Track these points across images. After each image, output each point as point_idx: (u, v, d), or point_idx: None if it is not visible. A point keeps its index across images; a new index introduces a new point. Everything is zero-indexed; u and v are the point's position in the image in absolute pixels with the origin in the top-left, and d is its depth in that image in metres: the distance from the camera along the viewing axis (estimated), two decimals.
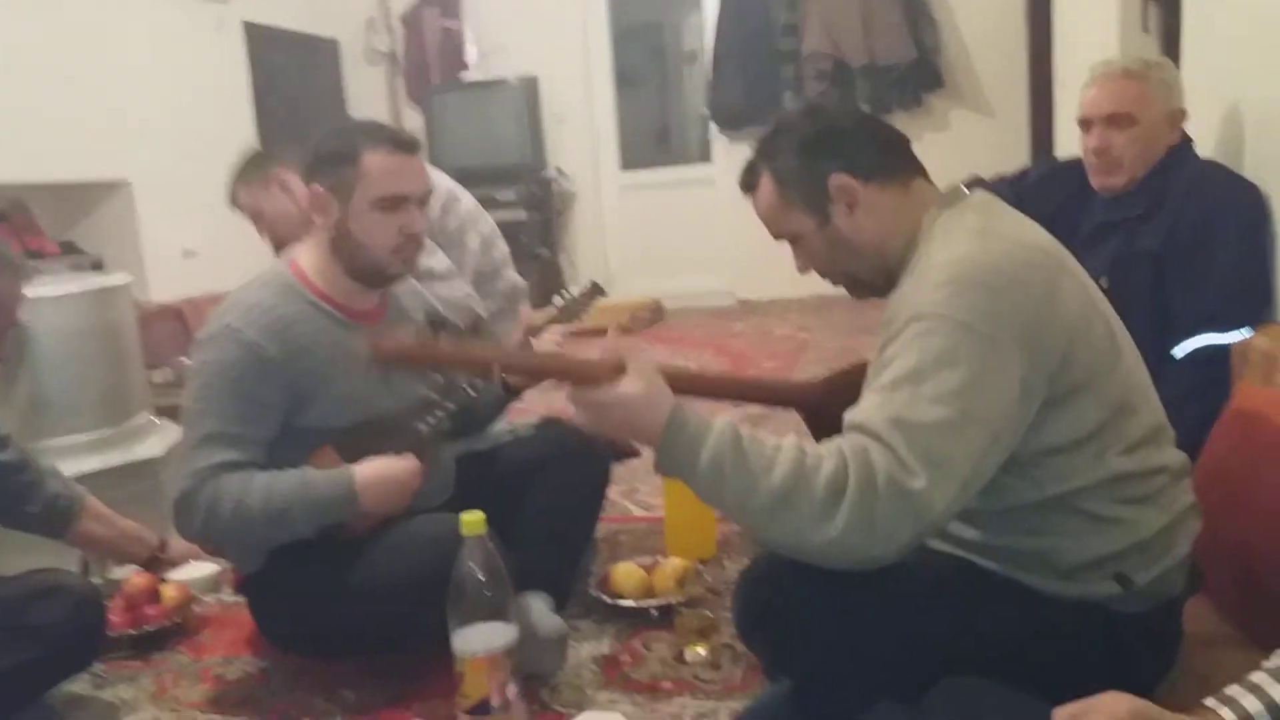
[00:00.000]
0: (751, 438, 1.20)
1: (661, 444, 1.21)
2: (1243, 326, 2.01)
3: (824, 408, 1.62)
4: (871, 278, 1.45)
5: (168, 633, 2.13)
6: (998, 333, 1.20)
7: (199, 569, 2.36)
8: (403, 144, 1.86)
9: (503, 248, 2.64)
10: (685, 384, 1.26)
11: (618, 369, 1.23)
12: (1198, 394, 1.87)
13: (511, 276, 2.66)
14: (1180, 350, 2.04)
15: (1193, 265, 2.08)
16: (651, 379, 1.23)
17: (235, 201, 2.46)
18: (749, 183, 1.48)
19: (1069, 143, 4.18)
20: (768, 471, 1.16)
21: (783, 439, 1.21)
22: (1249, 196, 2.10)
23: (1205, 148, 2.28)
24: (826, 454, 1.18)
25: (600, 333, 5.21)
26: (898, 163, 1.43)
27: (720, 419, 1.21)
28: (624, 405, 1.22)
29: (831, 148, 1.41)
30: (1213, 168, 2.20)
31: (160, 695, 1.92)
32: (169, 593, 2.19)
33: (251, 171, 2.45)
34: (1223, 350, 2.01)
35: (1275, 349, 1.81)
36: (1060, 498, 1.29)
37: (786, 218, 1.44)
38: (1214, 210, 2.08)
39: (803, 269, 1.50)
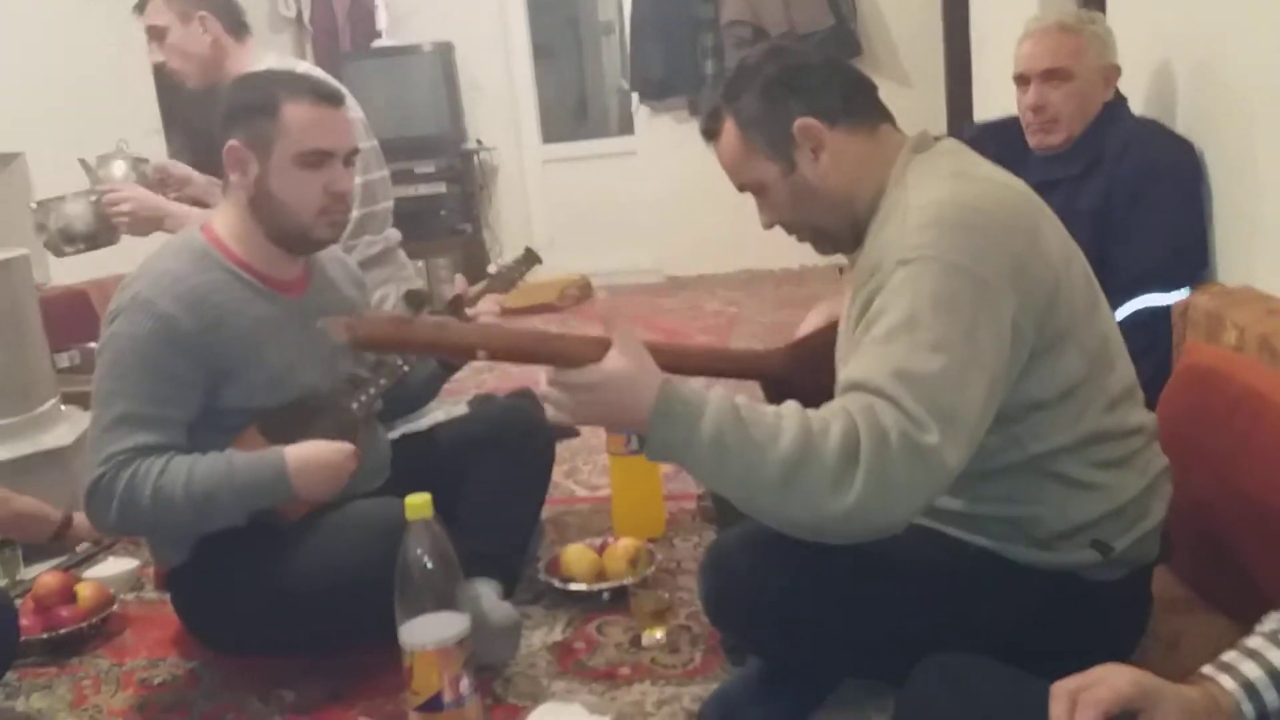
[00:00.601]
0: (750, 405, 1.13)
1: (653, 424, 1.11)
2: (1182, 286, 2.03)
3: (786, 377, 1.56)
4: (838, 229, 1.39)
5: (85, 635, 2.00)
6: (987, 272, 1.16)
7: (117, 565, 2.23)
8: (325, 95, 1.75)
9: (388, 202, 2.61)
10: (660, 359, 1.18)
11: (603, 345, 1.14)
12: (1140, 355, 1.86)
13: (391, 230, 2.63)
14: (1121, 312, 2.04)
15: (1131, 225, 2.10)
16: (638, 354, 1.14)
17: (143, 9, 2.46)
18: (711, 129, 1.41)
19: (987, 108, 4.23)
20: (774, 440, 1.08)
21: (781, 406, 1.14)
22: (1183, 155, 2.12)
23: (1136, 105, 2.30)
24: (832, 416, 1.11)
25: (534, 310, 5.11)
26: (865, 107, 1.38)
27: (714, 390, 1.14)
28: (611, 385, 1.12)
29: (796, 89, 1.35)
30: (1147, 125, 2.22)
31: (79, 704, 1.79)
32: (85, 592, 2.05)
33: None
34: (1162, 310, 2.03)
35: (1218, 307, 1.83)
36: (1041, 459, 1.27)
37: (750, 165, 1.38)
38: (1150, 168, 2.10)
39: (767, 223, 1.43)
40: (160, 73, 4.67)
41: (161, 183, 2.57)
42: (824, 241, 1.42)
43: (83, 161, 2.51)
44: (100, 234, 2.43)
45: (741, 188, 1.42)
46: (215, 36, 2.43)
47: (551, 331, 1.20)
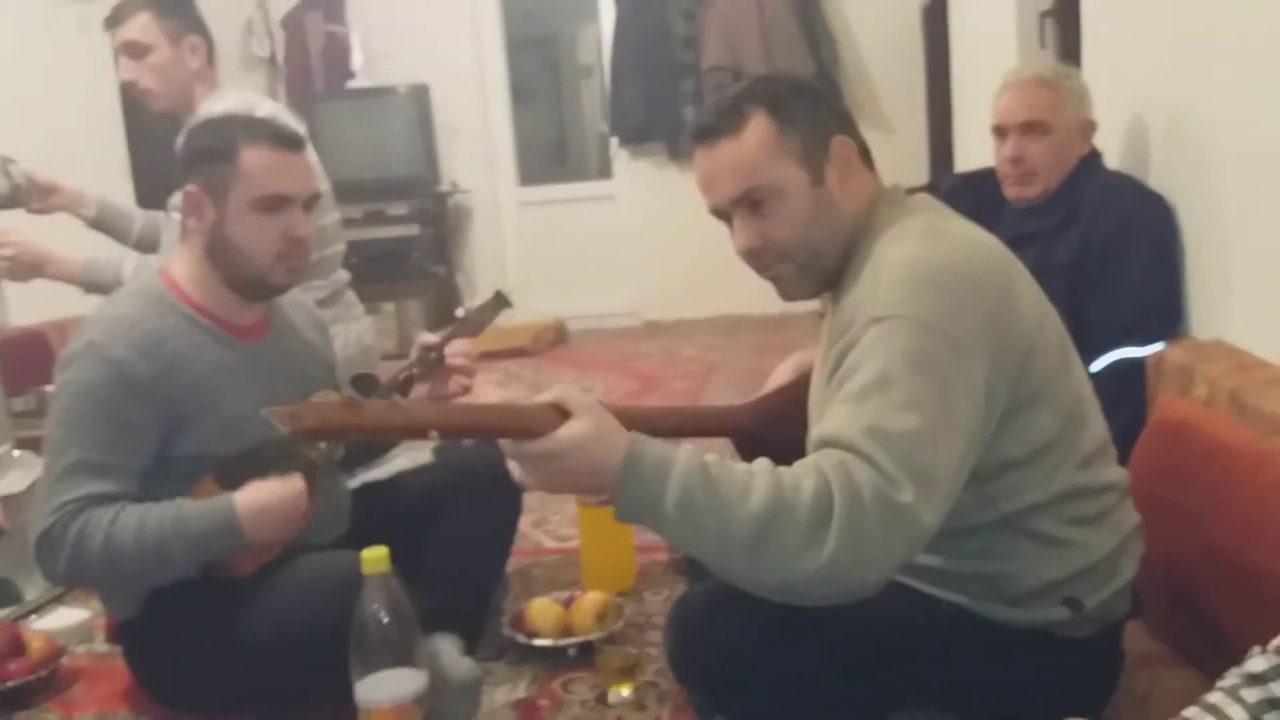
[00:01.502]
0: (719, 463, 1.10)
1: (620, 485, 1.08)
2: (1157, 341, 2.03)
3: (755, 433, 1.54)
4: (831, 260, 1.32)
5: (33, 688, 1.95)
6: (961, 332, 1.15)
7: (68, 615, 2.17)
8: (285, 140, 1.74)
9: (339, 246, 2.57)
10: (624, 423, 1.15)
11: (561, 413, 1.11)
12: (1114, 408, 1.86)
13: (340, 272, 2.58)
14: (1096, 364, 2.04)
15: (1106, 278, 2.10)
16: (599, 415, 1.11)
17: (119, 22, 2.36)
18: (724, 126, 1.29)
19: (968, 158, 4.27)
20: (744, 499, 1.05)
21: (753, 464, 1.11)
22: (1158, 210, 2.14)
23: (1111, 160, 2.31)
24: (804, 472, 1.08)
25: (507, 355, 5.10)
26: (867, 150, 1.36)
27: (683, 448, 1.11)
28: (575, 451, 1.08)
29: (834, 110, 1.33)
30: (1121, 179, 2.23)
31: None
32: (35, 644, 2.01)
33: (174, 15, 2.36)
34: (1137, 364, 2.03)
35: (1191, 361, 1.83)
36: (1014, 516, 1.25)
37: (776, 165, 1.28)
38: (1126, 223, 2.11)
39: (748, 243, 1.32)
40: (130, 117, 4.61)
41: (26, 190, 2.47)
42: (808, 274, 1.34)
43: None
44: None
45: (740, 198, 1.30)
46: (200, 64, 2.39)
47: (505, 404, 1.17)
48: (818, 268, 1.33)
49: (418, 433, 1.16)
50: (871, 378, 1.13)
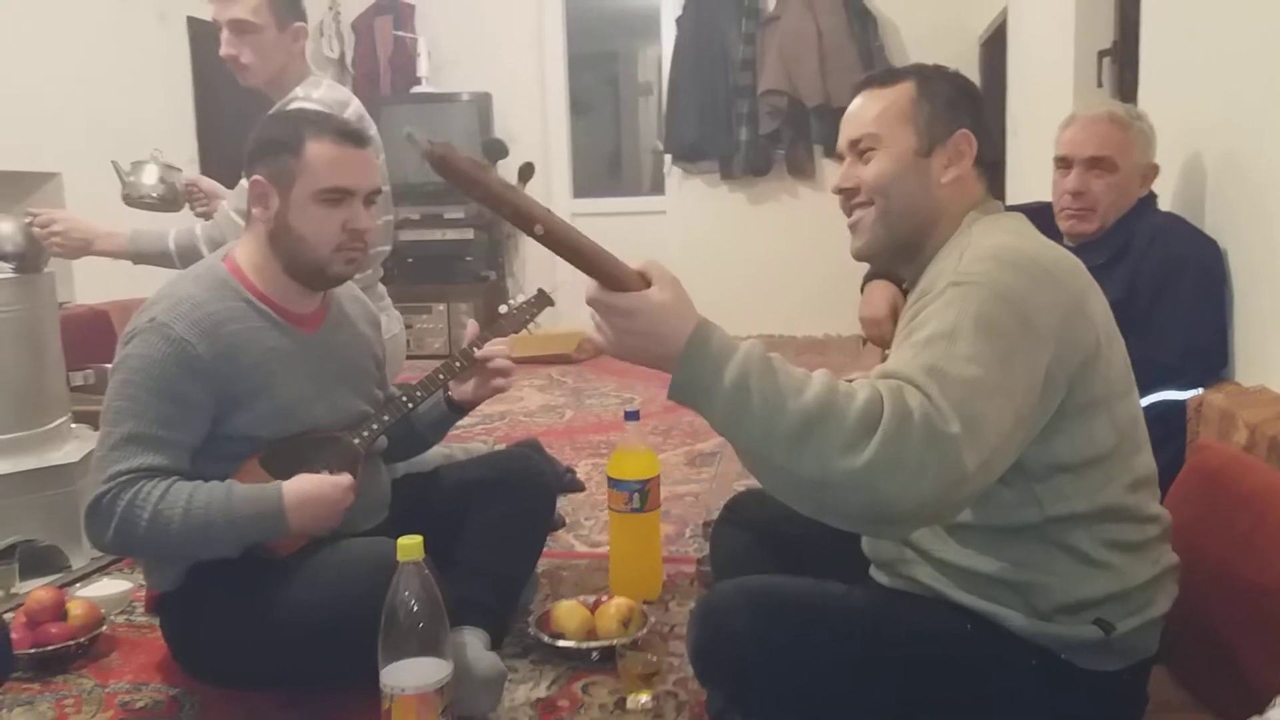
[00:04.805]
0: (781, 358, 1.13)
1: (683, 358, 1.11)
2: (1199, 384, 2.01)
3: None
4: (904, 229, 1.39)
5: (71, 654, 1.99)
6: (1032, 314, 1.19)
7: (111, 586, 2.22)
8: (350, 135, 1.79)
9: (385, 246, 2.65)
10: None
11: (646, 280, 1.15)
12: (1154, 448, 1.85)
13: (379, 268, 2.67)
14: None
15: (1152, 319, 2.08)
16: (679, 290, 1.15)
17: (246, 0, 2.40)
18: (883, 79, 1.42)
19: (1019, 193, 4.25)
20: (798, 393, 1.08)
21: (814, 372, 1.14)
22: (1208, 252, 2.12)
23: (1165, 200, 2.30)
24: (860, 386, 1.10)
25: (549, 361, 5.11)
26: (995, 176, 1.43)
27: (749, 339, 1.14)
28: (650, 314, 1.12)
29: (976, 115, 1.40)
30: (1174, 221, 2.21)
31: None
32: (76, 610, 2.04)
33: (287, 2, 2.44)
34: (1178, 406, 2.01)
35: (1232, 406, 1.81)
36: (1057, 524, 1.27)
37: (898, 125, 1.38)
38: (1175, 264, 2.09)
39: (841, 182, 1.43)
40: (201, 106, 4.74)
41: (190, 195, 2.61)
42: (881, 227, 1.40)
43: (114, 164, 2.55)
44: (29, 255, 2.47)
45: (857, 141, 1.41)
46: (301, 50, 2.47)
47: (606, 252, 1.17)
48: (890, 225, 1.39)
49: (527, 218, 1.14)
50: (940, 329, 1.16)
